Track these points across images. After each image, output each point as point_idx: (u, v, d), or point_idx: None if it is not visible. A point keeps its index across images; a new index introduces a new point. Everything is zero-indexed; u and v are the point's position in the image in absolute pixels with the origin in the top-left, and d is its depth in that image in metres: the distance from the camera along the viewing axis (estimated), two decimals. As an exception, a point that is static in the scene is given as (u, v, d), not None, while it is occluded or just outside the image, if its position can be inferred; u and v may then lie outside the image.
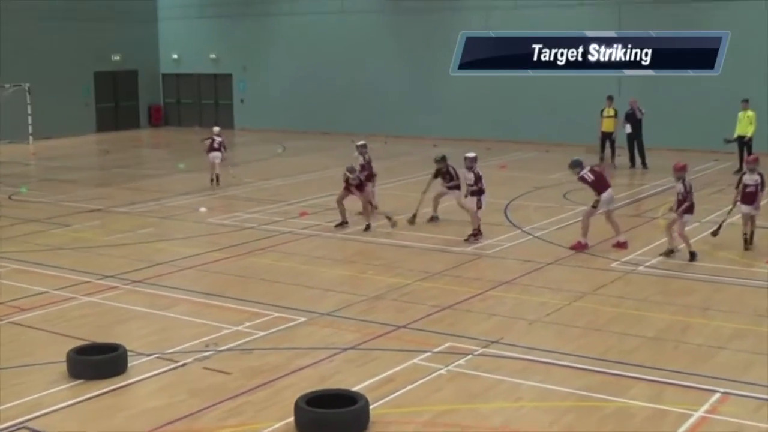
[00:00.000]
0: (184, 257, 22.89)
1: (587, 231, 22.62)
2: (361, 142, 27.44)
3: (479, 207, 23.81)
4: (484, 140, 38.30)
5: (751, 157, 21.84)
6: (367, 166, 26.22)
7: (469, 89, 44.22)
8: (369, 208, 25.16)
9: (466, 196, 24.20)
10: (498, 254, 22.54)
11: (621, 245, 22.51)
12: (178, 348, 16.14)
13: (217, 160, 33.33)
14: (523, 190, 30.27)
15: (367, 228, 24.87)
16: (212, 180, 33.47)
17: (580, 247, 22.45)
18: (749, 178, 21.69)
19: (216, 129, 34.30)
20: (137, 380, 14.79)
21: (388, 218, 25.16)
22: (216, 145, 33.32)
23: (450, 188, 24.98)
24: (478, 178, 23.91)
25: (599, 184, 22.99)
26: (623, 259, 21.58)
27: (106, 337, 16.22)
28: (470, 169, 24.04)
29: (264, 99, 51.77)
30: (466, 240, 23.71)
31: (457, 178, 24.80)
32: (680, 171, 21.74)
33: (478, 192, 23.87)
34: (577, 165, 23.62)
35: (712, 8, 38.26)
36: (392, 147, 41.33)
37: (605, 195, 22.95)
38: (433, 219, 25.86)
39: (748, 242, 22.23)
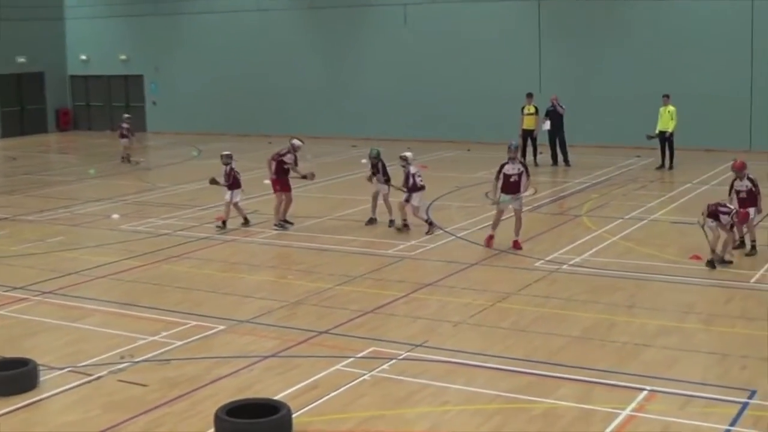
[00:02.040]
0: (97, 266, 22.71)
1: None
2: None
3: (407, 200, 24.42)
4: (405, 140, 38.39)
5: (737, 163, 21.60)
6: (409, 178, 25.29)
7: (388, 88, 44.36)
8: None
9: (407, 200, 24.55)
10: (421, 256, 22.63)
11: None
12: (91, 361, 16.01)
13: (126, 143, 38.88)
14: (445, 190, 30.40)
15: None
16: (123, 158, 38.71)
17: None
18: (739, 185, 21.59)
19: (125, 116, 40.05)
20: (49, 395, 14.65)
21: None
22: (125, 132, 38.74)
23: (381, 182, 25.26)
24: (407, 177, 24.44)
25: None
26: (547, 258, 21.76)
27: (16, 352, 16.06)
28: (403, 167, 24.39)
29: (177, 100, 51.51)
30: (427, 233, 24.52)
31: (388, 176, 25.18)
32: (742, 169, 21.54)
33: (410, 189, 24.39)
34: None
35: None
36: (310, 148, 41.33)
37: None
38: (372, 221, 25.86)
39: (744, 245, 21.80)
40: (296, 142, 26.19)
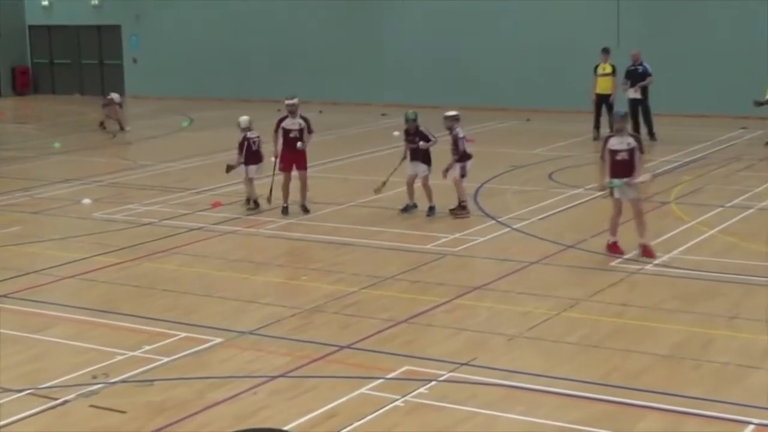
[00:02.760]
0: (64, 263, 22.82)
1: None
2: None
3: (463, 175, 24.34)
4: (446, 107, 38.44)
5: None
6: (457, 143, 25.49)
7: (424, 45, 44.38)
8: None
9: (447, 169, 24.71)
10: (467, 252, 22.64)
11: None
12: (56, 381, 16.08)
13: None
14: (499, 171, 30.38)
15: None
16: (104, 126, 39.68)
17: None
18: None
19: (112, 96, 40.18)
20: (5, 424, 14.74)
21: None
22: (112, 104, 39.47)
23: (419, 160, 25.25)
24: (455, 141, 24.48)
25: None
26: (626, 257, 21.67)
27: (-35, 369, 16.22)
28: (450, 130, 24.29)
29: (163, 58, 51.74)
30: (451, 212, 24.77)
31: (434, 138, 25.28)
32: None
33: (461, 158, 24.38)
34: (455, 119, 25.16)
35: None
36: (328, 117, 41.39)
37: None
38: (408, 209, 25.85)
39: None
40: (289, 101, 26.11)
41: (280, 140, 25.77)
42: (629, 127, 23.22)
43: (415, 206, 25.72)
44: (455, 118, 24.83)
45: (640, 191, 21.49)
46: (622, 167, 21.06)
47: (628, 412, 14.31)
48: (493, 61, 42.62)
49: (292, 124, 25.65)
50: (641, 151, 21.41)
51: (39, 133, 41.98)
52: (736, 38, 37.64)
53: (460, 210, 24.65)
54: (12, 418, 14.83)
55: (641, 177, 21.36)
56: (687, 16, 39.15)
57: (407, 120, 25.62)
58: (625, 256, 21.52)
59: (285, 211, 25.70)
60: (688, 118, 37.02)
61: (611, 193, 21.45)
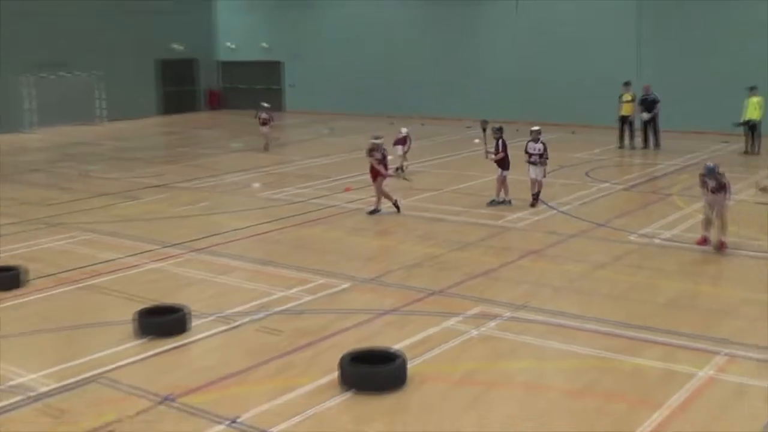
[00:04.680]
0: (239, 228, 23.01)
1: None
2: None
3: (545, 175, 24.53)
4: (513, 122, 38.17)
5: None
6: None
7: (498, 74, 44.13)
8: None
9: (534, 164, 24.41)
10: (525, 227, 22.52)
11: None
12: (234, 310, 16.27)
13: (265, 130, 37.04)
14: (550, 168, 30.13)
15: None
16: (266, 147, 36.79)
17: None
18: None
19: (264, 105, 38.24)
20: (198, 339, 14.94)
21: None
22: (265, 120, 37.06)
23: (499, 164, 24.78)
24: (545, 148, 24.32)
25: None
26: (640, 233, 21.49)
27: (170, 300, 16.38)
28: (537, 140, 24.23)
29: (311, 83, 51.80)
30: (532, 205, 24.40)
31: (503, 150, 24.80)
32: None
33: (545, 161, 24.38)
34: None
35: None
36: (429, 129, 41.29)
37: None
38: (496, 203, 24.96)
39: None
40: (373, 140, 25.74)
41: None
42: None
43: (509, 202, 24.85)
44: (540, 132, 24.74)
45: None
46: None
47: (638, 344, 14.24)
48: (549, 86, 42.25)
49: (378, 154, 24.25)
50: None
51: (224, 136, 42.25)
52: (726, 72, 36.98)
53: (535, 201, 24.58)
54: (203, 334, 15.06)
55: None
56: (687, 59, 38.56)
57: (494, 130, 24.92)
58: (640, 232, 21.42)
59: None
60: (686, 133, 36.40)
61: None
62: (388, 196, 24.15)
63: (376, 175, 24.16)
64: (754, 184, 21.49)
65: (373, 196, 24.61)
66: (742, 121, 32.62)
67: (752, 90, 32.56)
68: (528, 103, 42.80)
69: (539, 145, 24.10)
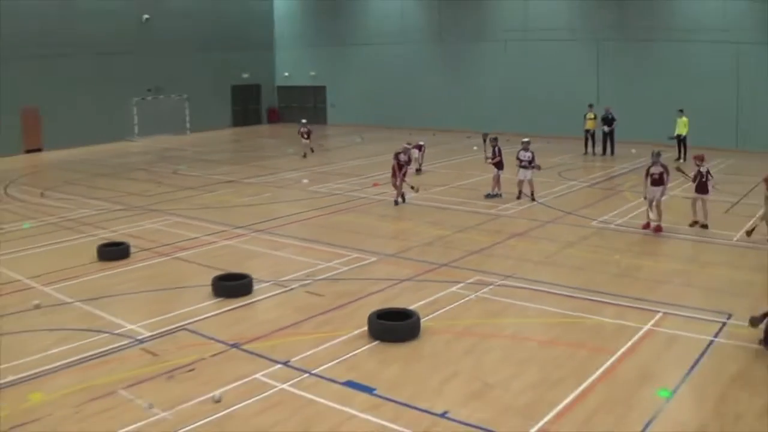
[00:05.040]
0: (292, 214, 23.04)
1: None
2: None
3: (532, 175, 24.29)
4: (503, 133, 38.00)
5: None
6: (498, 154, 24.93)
7: (491, 96, 43.97)
8: None
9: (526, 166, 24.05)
10: (513, 215, 22.42)
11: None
12: (287, 277, 16.31)
13: (306, 141, 36.18)
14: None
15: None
16: (305, 155, 35.84)
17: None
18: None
19: (303, 121, 37.58)
20: (259, 299, 14.99)
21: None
22: (305, 135, 36.08)
23: (494, 165, 24.74)
24: (533, 156, 24.03)
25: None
26: (599, 219, 21.38)
27: (238, 269, 16.45)
28: (527, 149, 24.01)
29: (348, 101, 51.72)
30: (517, 197, 24.18)
31: (498, 155, 24.76)
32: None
33: (535, 166, 24.14)
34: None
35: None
36: (438, 138, 41.17)
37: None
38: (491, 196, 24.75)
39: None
40: (405, 145, 25.68)
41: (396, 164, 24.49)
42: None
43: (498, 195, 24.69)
44: (496, 139, 25.16)
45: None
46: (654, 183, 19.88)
47: (597, 305, 14.24)
48: (531, 105, 42.13)
49: (404, 156, 24.28)
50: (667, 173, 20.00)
51: (281, 144, 42.22)
52: (662, 97, 36.68)
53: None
54: (264, 296, 15.13)
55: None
56: (634, 87, 38.25)
57: (491, 139, 25.27)
58: (600, 219, 21.31)
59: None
60: (633, 143, 36.07)
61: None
62: (399, 190, 24.23)
63: (399, 175, 24.18)
64: (675, 168, 21.59)
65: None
66: (675, 135, 32.48)
67: (680, 112, 32.61)
68: (515, 117, 42.55)
69: (529, 153, 23.96)
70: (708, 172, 20.30)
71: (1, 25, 38.48)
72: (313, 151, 36.41)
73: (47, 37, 40.43)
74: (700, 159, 20.51)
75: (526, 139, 24.45)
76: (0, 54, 38.43)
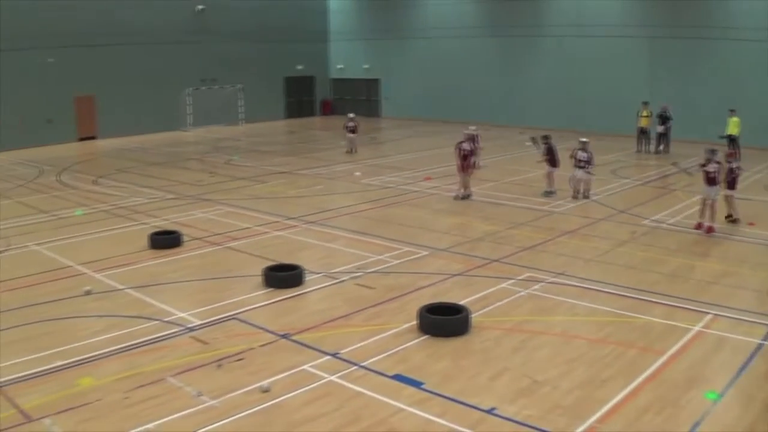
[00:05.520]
0: (343, 206, 23.13)
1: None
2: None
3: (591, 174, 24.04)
4: (557, 129, 37.73)
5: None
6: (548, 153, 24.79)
7: (545, 92, 43.69)
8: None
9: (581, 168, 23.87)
10: (565, 212, 22.28)
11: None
12: (338, 269, 16.39)
13: (352, 136, 34.93)
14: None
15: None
16: (350, 150, 34.92)
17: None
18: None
19: (350, 115, 36.41)
20: (310, 290, 15.09)
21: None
22: (352, 129, 34.96)
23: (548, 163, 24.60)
24: (590, 156, 23.84)
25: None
26: (652, 218, 21.15)
27: (290, 260, 16.58)
28: (584, 150, 23.78)
29: (400, 95, 51.76)
30: (573, 197, 23.86)
31: (549, 153, 24.58)
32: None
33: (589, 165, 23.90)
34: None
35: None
36: (492, 133, 40.98)
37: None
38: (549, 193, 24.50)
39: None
40: (466, 131, 25.56)
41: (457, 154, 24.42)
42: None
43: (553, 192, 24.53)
44: (548, 137, 24.93)
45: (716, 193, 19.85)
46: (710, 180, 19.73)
47: (647, 304, 14.10)
48: (585, 101, 41.79)
49: (468, 145, 24.32)
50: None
51: (333, 136, 42.35)
52: (714, 97, 36.10)
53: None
54: (314, 287, 15.21)
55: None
56: (689, 86, 37.71)
57: (543, 138, 24.97)
58: (652, 218, 21.11)
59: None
60: (688, 142, 35.59)
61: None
62: (462, 183, 24.12)
63: (465, 166, 24.07)
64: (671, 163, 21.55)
65: (452, 184, 24.56)
66: (725, 134, 32.01)
67: (732, 112, 32.06)
68: (567, 114, 42.29)
69: (586, 154, 23.77)
70: (738, 167, 20.40)
71: (58, 15, 39.21)
72: (356, 150, 35.00)
73: (103, 26, 41.13)
74: (731, 156, 20.71)
75: (584, 139, 24.18)
76: (56, 43, 39.13)
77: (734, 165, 20.34)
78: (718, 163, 19.91)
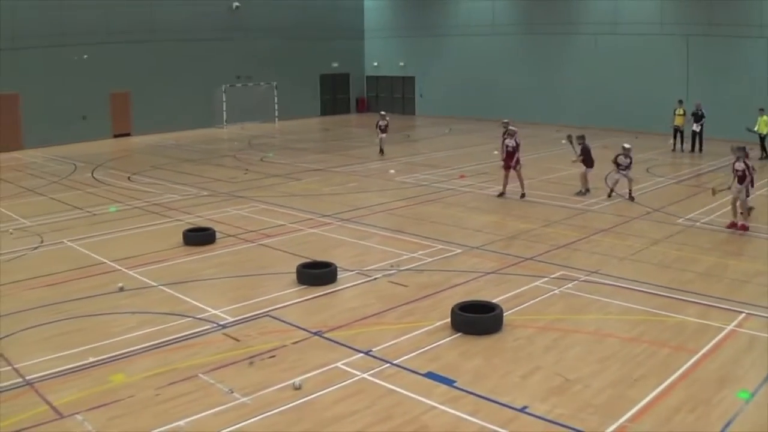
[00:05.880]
0: (378, 203, 23.18)
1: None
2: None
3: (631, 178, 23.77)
4: (590, 127, 37.56)
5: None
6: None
7: (580, 90, 43.47)
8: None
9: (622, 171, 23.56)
10: (599, 210, 22.19)
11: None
12: (371, 267, 16.44)
13: (383, 136, 33.80)
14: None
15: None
16: (381, 150, 33.84)
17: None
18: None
19: (382, 113, 35.43)
20: (343, 288, 15.15)
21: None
22: (383, 128, 33.76)
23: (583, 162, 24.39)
24: (631, 162, 23.52)
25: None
26: (686, 217, 20.99)
27: (323, 257, 16.66)
28: (627, 156, 23.38)
29: (436, 92, 51.73)
30: (609, 195, 23.70)
31: (583, 154, 24.32)
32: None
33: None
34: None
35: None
36: (526, 131, 40.80)
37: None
38: (584, 193, 24.31)
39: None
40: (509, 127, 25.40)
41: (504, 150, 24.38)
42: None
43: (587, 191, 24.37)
44: (583, 137, 24.62)
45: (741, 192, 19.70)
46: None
47: (680, 303, 14.00)
48: (620, 100, 41.53)
49: (511, 141, 24.18)
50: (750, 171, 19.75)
51: (367, 134, 42.41)
52: (745, 95, 35.65)
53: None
54: (348, 285, 15.28)
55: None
56: (726, 83, 37.30)
57: (578, 138, 24.78)
58: (686, 216, 20.97)
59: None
60: (723, 140, 35.23)
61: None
62: (521, 181, 24.09)
63: (511, 162, 23.98)
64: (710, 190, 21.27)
65: (485, 181, 24.51)
66: (755, 130, 31.62)
67: (761, 111, 31.72)
68: (602, 112, 42.09)
69: (628, 160, 23.50)
70: (752, 167, 20.16)
71: (95, 12, 39.65)
72: (383, 152, 33.71)
73: (139, 23, 41.58)
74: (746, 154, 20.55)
75: (627, 146, 23.80)
76: (93, 40, 39.55)
77: (749, 162, 20.04)
78: (746, 162, 19.71)
